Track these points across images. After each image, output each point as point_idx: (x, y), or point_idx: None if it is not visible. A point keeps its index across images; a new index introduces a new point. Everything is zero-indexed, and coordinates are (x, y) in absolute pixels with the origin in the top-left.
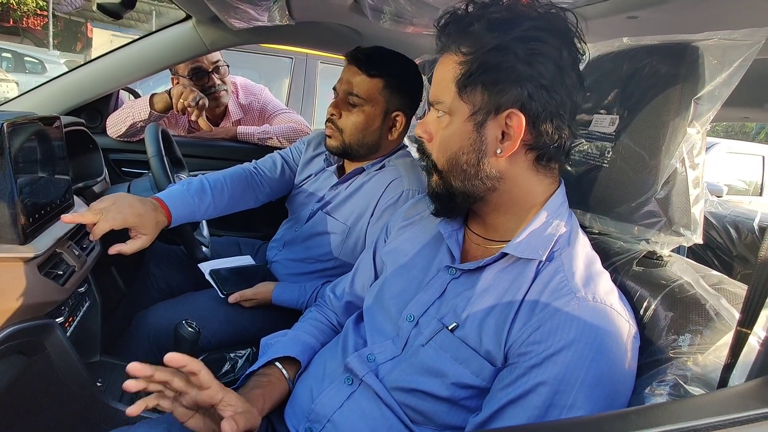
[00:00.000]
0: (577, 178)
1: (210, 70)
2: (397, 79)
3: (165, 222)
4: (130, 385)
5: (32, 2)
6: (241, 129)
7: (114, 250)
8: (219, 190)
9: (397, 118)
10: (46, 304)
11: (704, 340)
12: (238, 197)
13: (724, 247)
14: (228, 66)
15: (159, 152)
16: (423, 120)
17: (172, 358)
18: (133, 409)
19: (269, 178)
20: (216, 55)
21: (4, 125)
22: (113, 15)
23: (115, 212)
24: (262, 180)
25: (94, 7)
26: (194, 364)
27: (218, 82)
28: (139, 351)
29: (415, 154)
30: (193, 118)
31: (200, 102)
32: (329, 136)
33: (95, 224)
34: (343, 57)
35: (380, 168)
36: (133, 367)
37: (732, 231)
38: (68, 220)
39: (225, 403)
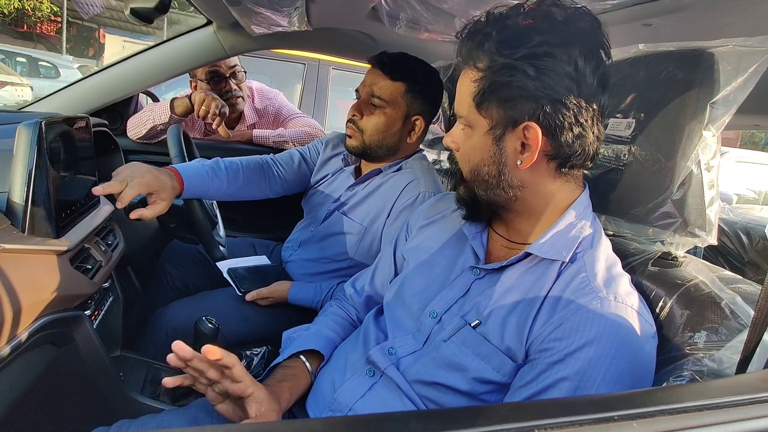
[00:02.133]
0: (593, 180)
1: (227, 75)
2: (420, 84)
3: (179, 190)
4: (172, 359)
5: (46, 8)
6: (256, 132)
7: (135, 214)
8: (234, 171)
9: (416, 122)
10: (76, 296)
11: (720, 337)
12: (252, 183)
13: (735, 253)
14: (245, 72)
15: (181, 153)
16: (451, 131)
17: (209, 350)
18: (170, 381)
19: (285, 172)
20: (233, 60)
21: (42, 123)
22: (146, 19)
23: (139, 178)
24: (278, 172)
25: (127, 12)
26: (229, 358)
27: (235, 87)
28: (158, 346)
29: (430, 158)
30: (214, 126)
31: (222, 110)
32: (350, 136)
33: (121, 192)
34: (357, 63)
35: (397, 170)
36: (178, 345)
37: (743, 237)
38: (99, 192)
39: (253, 398)
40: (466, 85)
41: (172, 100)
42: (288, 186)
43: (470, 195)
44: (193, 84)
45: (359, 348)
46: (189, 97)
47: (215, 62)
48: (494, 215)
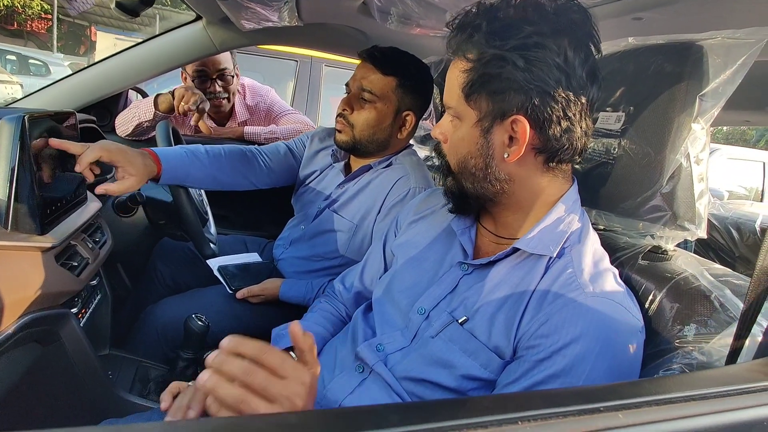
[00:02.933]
0: (583, 174)
1: (213, 76)
2: (411, 79)
3: (154, 169)
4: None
5: (37, 5)
6: (248, 129)
7: (101, 189)
8: (215, 155)
9: (407, 118)
10: (62, 294)
11: (709, 330)
12: (236, 170)
13: (726, 248)
14: (238, 75)
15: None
16: (439, 123)
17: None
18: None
19: (271, 162)
20: (224, 63)
21: (25, 118)
22: (131, 13)
23: (101, 145)
24: (263, 161)
25: (112, 6)
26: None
27: (219, 89)
28: (148, 345)
29: (421, 154)
30: (192, 122)
31: (200, 105)
32: (339, 131)
33: (81, 155)
34: (350, 59)
35: (387, 166)
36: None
37: (734, 232)
38: (55, 144)
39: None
40: (456, 76)
41: (156, 97)
42: (275, 177)
43: (458, 187)
44: (184, 76)
45: (348, 344)
46: (172, 93)
47: (206, 58)
48: (482, 210)
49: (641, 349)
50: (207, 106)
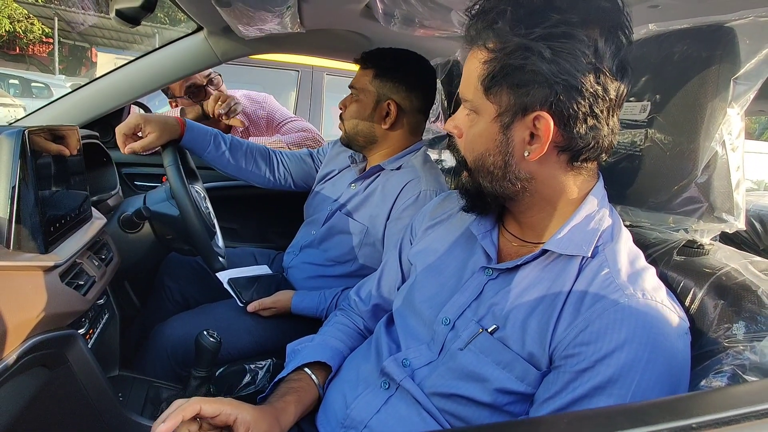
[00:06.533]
0: (607, 169)
1: (204, 84)
2: (387, 68)
3: (177, 131)
4: None
5: (38, 30)
6: (252, 141)
7: (129, 149)
8: (237, 144)
9: (390, 107)
10: (68, 314)
11: (760, 327)
12: (252, 162)
13: (749, 241)
14: (220, 75)
15: (176, 161)
16: (454, 116)
17: (162, 430)
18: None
19: (289, 162)
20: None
21: (26, 133)
22: (132, 21)
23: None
24: (281, 161)
25: (112, 15)
26: (190, 410)
27: (215, 93)
28: (158, 364)
29: (433, 156)
30: (230, 121)
31: (233, 106)
32: (340, 129)
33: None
34: (352, 67)
35: (398, 168)
36: None
37: (757, 224)
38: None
39: (239, 423)
40: (474, 67)
41: (182, 110)
42: (291, 177)
43: (474, 185)
44: (174, 104)
45: (372, 359)
46: (200, 104)
47: (208, 68)
48: (504, 211)
49: (689, 352)
50: (240, 107)
